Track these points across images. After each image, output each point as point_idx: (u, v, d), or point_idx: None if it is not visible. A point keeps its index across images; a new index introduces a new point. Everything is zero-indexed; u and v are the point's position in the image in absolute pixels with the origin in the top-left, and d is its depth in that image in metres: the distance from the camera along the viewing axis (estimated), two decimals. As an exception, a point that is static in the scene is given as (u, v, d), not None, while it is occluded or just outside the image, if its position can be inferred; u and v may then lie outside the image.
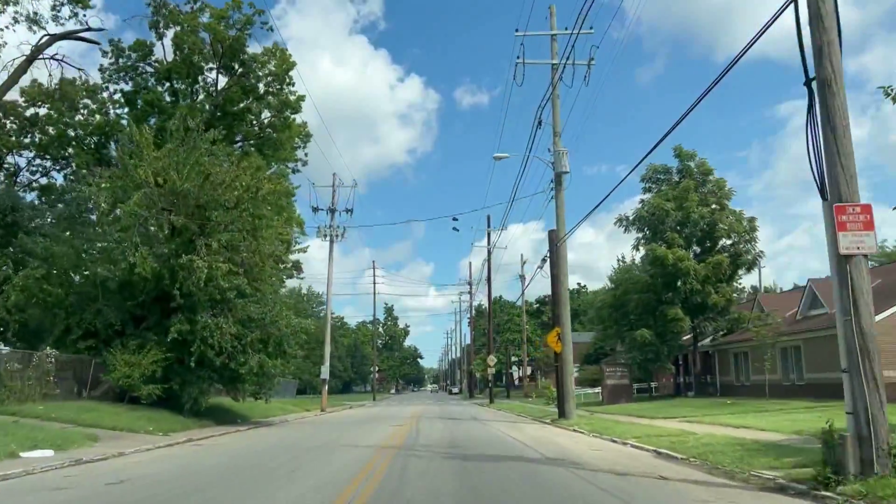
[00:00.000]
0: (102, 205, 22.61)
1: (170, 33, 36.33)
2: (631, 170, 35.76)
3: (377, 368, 71.00)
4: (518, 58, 22.46)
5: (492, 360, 47.99)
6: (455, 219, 33.29)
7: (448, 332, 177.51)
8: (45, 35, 27.79)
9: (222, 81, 40.10)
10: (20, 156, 37.40)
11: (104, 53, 38.25)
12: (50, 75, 29.57)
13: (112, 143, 35.24)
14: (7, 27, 26.37)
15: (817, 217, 8.67)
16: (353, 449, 13.16)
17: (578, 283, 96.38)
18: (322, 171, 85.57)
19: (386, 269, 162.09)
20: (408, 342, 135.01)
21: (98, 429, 15.54)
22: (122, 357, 20.16)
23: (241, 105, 40.49)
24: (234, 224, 22.58)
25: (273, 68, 40.05)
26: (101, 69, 38.37)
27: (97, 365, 21.65)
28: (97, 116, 38.17)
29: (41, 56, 27.93)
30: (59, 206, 34.45)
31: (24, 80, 31.03)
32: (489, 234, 48.72)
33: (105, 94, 38.99)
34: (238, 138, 41.00)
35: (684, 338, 34.43)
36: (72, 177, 36.98)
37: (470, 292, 75.19)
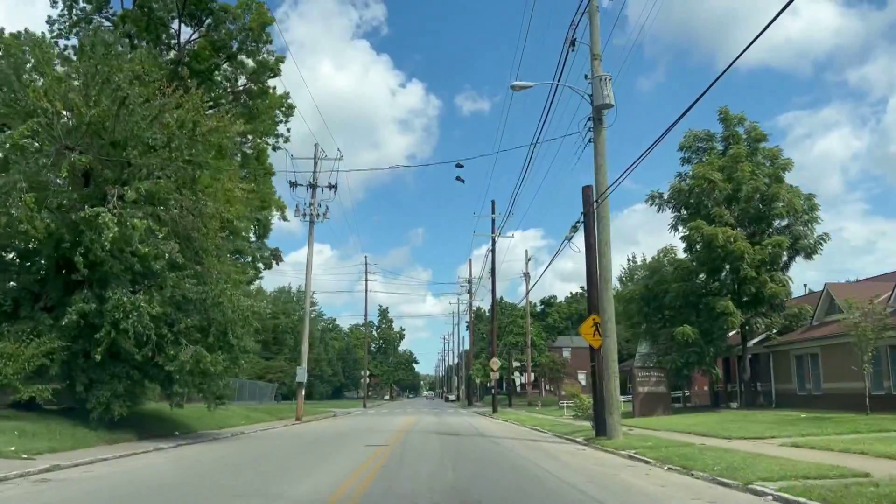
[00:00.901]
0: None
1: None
2: (626, 171, 29.97)
3: (368, 373, 65.11)
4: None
5: (495, 363, 42.23)
6: (460, 165, 26.69)
7: (445, 336, 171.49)
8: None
9: (187, 34, 34.49)
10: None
11: (53, 2, 32.71)
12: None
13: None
14: None
15: None
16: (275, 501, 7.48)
17: (581, 287, 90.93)
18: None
19: (384, 274, 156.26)
20: (403, 348, 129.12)
21: None
22: (-4, 347, 14.44)
23: (210, 62, 34.75)
24: (162, 171, 16.82)
25: (248, 23, 34.35)
26: (49, 21, 32.77)
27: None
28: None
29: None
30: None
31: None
32: (493, 221, 43.17)
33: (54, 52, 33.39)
34: (208, 103, 35.25)
35: (728, 335, 28.66)
36: None
37: (470, 291, 69.46)
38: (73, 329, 15.59)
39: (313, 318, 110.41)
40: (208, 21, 34.38)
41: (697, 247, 26.90)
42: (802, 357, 26.21)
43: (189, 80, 18.35)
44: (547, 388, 75.50)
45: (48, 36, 31.05)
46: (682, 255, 29.80)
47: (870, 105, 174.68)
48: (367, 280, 66.34)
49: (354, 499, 7.46)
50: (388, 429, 23.46)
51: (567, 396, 40.51)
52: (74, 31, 33.19)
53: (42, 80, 16.87)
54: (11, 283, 17.52)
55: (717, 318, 26.15)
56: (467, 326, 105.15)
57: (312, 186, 34.28)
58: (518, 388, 75.85)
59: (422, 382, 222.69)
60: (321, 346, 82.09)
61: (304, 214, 34.09)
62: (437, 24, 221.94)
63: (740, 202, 27.02)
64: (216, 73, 35.56)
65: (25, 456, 11.71)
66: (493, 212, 43.67)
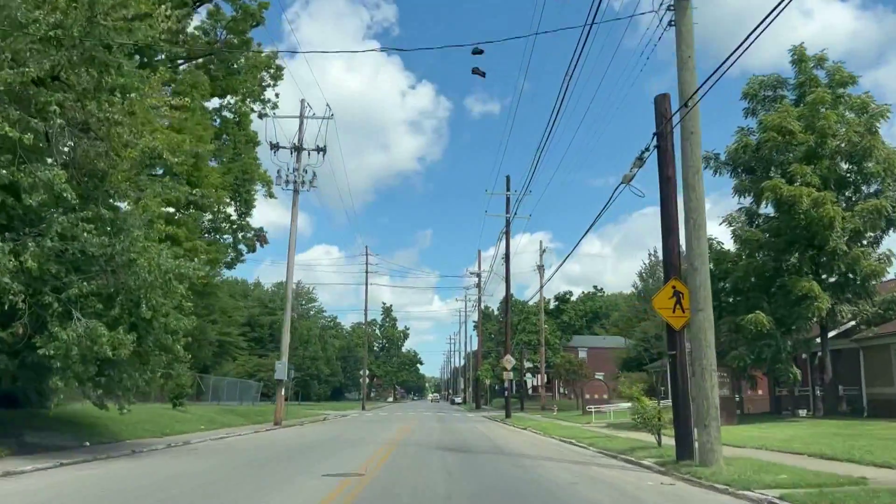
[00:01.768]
0: None
1: None
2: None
3: (367, 372, 59.78)
4: None
5: (509, 361, 36.78)
6: (478, 51, 17.97)
7: (451, 337, 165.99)
8: None
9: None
10: None
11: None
12: None
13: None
14: None
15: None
16: None
17: (595, 287, 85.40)
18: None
19: (390, 275, 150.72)
20: (407, 348, 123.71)
21: None
22: None
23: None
24: (40, 64, 11.51)
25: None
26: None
27: None
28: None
29: None
30: None
31: None
32: (508, 200, 37.73)
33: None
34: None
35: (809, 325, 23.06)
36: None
37: (479, 284, 63.99)
38: None
39: (312, 315, 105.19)
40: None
41: (768, 210, 21.35)
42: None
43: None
44: (561, 390, 69.87)
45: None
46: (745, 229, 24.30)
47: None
48: (367, 272, 61.07)
49: None
50: (378, 440, 18.07)
51: (598, 400, 35.05)
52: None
53: None
54: None
55: (795, 304, 20.60)
56: (475, 326, 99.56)
57: (297, 149, 28.98)
58: (529, 391, 70.40)
59: (427, 384, 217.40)
60: (319, 344, 76.80)
61: (287, 181, 28.79)
62: (447, 24, 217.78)
63: (824, 159, 21.47)
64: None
65: None
66: (507, 188, 38.32)
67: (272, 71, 35.51)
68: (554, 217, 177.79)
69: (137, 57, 16.51)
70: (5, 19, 11.11)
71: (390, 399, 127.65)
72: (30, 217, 11.94)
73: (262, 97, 35.37)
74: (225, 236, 37.25)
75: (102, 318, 11.81)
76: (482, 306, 67.16)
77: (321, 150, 29.00)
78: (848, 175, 22.09)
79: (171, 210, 26.28)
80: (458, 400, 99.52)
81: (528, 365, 63.00)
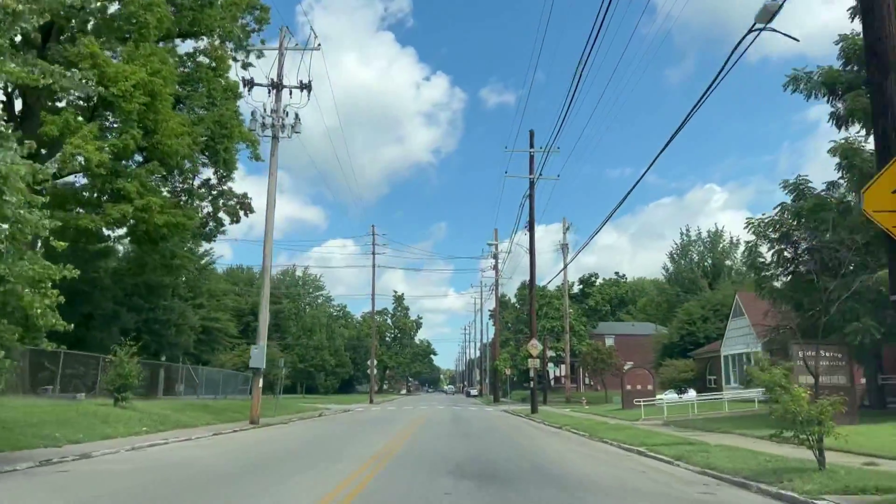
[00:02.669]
0: None
1: None
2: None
3: (376, 362, 54.61)
4: None
5: (535, 347, 31.34)
6: None
7: (466, 327, 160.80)
8: None
9: None
10: None
11: None
12: None
13: None
14: None
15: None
16: None
17: (616, 273, 79.48)
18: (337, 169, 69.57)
19: (405, 269, 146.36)
20: (421, 339, 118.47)
21: None
22: None
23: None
24: None
25: None
26: None
27: None
28: None
29: None
30: None
31: None
32: (532, 158, 32.18)
33: None
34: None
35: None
36: None
37: (496, 266, 58.52)
38: None
39: (320, 304, 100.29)
40: None
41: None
42: None
43: None
44: (586, 381, 64.35)
45: None
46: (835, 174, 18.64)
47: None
48: (374, 253, 55.75)
49: None
50: (365, 451, 12.71)
51: (642, 392, 29.53)
52: None
53: None
54: None
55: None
56: (490, 314, 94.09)
57: (275, 87, 23.59)
58: (551, 382, 64.93)
59: (441, 377, 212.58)
60: (323, 333, 71.78)
61: (264, 125, 23.45)
62: (462, 14, 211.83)
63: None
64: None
65: None
66: (531, 145, 32.75)
67: (257, 13, 30.30)
68: (569, 209, 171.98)
69: None
70: None
71: (403, 391, 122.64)
72: None
73: (246, 45, 30.18)
74: (203, 204, 32.21)
75: None
76: (499, 292, 61.71)
77: (305, 87, 23.62)
78: None
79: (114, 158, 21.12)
80: (474, 392, 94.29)
81: (550, 354, 57.46)
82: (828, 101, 19.14)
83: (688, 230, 71.46)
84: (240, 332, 77.65)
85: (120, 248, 32.16)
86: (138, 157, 25.54)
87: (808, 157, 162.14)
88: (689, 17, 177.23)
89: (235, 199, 32.57)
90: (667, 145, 19.17)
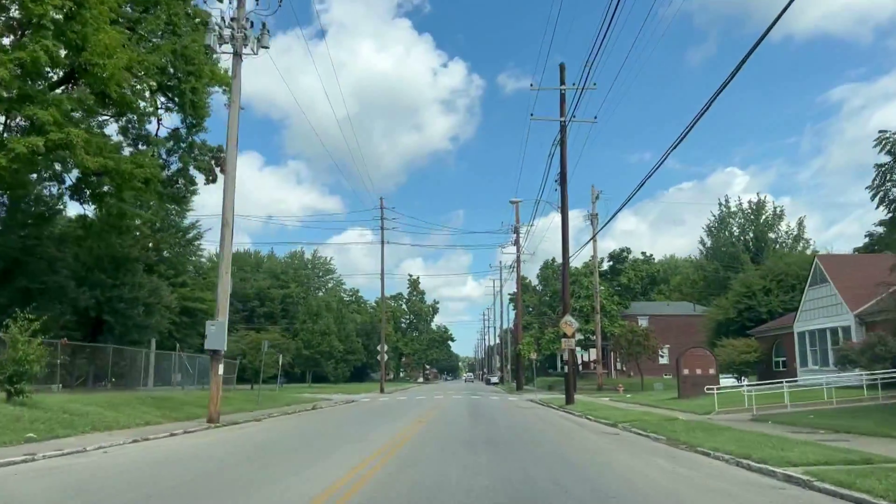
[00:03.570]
0: None
1: None
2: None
3: (386, 348, 49.48)
4: None
5: (570, 324, 25.90)
6: None
7: (484, 313, 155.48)
8: None
9: None
10: None
11: None
12: None
13: None
14: None
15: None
16: None
17: (643, 253, 73.19)
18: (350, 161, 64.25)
19: (423, 258, 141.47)
20: (437, 326, 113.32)
21: None
22: None
23: None
24: None
25: None
26: None
27: None
28: None
29: None
30: None
31: None
32: (562, 96, 26.54)
33: None
34: None
35: None
36: None
37: (517, 242, 53.00)
38: None
39: (330, 288, 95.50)
40: None
41: None
42: None
43: None
44: (618, 366, 58.80)
45: None
46: None
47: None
48: (382, 228, 50.45)
49: None
50: (298, 489, 7.43)
51: (702, 378, 23.96)
52: None
53: None
54: None
55: None
56: (511, 299, 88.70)
57: (238, -9, 18.29)
58: (580, 367, 59.44)
59: (460, 364, 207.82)
60: (331, 317, 66.84)
61: (221, 37, 18.15)
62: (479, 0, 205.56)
63: None
64: None
65: None
66: (561, 82, 27.09)
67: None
68: (586, 195, 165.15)
69: None
70: None
71: (420, 380, 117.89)
72: None
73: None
74: (172, 159, 27.15)
75: None
76: (520, 271, 56.15)
77: (275, -11, 18.25)
78: None
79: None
80: (495, 380, 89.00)
81: (578, 336, 51.85)
82: None
83: (727, 200, 65.24)
84: (242, 319, 73.21)
85: (71, 213, 27.27)
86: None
87: (831, 138, 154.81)
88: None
89: (210, 154, 27.44)
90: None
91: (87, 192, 20.87)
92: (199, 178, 27.55)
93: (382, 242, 51.08)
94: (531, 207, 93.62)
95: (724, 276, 62.54)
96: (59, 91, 19.09)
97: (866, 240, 26.89)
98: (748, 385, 19.02)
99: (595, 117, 26.08)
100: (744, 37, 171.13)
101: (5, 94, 15.94)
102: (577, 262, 56.22)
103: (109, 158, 18.89)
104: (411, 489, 6.82)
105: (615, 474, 8.05)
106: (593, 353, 54.99)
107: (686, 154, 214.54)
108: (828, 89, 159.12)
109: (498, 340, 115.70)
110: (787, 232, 63.53)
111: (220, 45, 18.18)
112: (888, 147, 13.93)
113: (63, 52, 17.86)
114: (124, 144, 25.19)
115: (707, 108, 13.08)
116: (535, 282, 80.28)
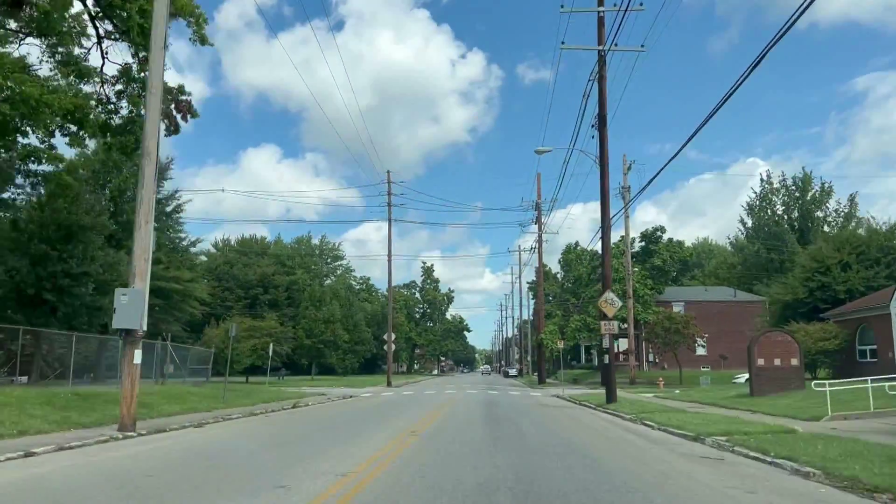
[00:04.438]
0: None
1: None
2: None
3: (392, 336, 44.53)
4: None
5: (612, 302, 20.70)
6: None
7: (502, 302, 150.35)
8: None
9: None
10: None
11: None
12: None
13: None
14: None
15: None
16: None
17: (670, 239, 67.59)
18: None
19: (441, 251, 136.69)
20: (452, 316, 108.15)
21: None
22: None
23: None
24: None
25: None
26: None
27: None
28: None
29: None
30: None
31: None
32: (601, 21, 21.26)
33: None
34: None
35: None
36: None
37: (538, 220, 47.70)
38: None
39: (339, 275, 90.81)
40: None
41: None
42: None
43: None
44: (650, 358, 53.35)
45: None
46: None
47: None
48: (390, 204, 45.43)
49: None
50: None
51: (779, 371, 18.71)
52: None
53: None
54: None
55: None
56: (530, 288, 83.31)
57: None
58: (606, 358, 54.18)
59: (477, 356, 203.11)
60: (336, 304, 62.07)
61: None
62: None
63: None
64: None
65: None
66: (599, 2, 21.77)
67: None
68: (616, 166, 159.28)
69: None
70: None
71: (435, 372, 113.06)
72: None
73: None
74: (122, 104, 22.32)
75: None
76: (542, 251, 50.79)
77: None
78: None
79: None
80: (513, 372, 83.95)
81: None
82: None
83: (769, 175, 59.26)
84: (245, 307, 68.71)
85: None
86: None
87: (855, 127, 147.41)
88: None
89: (169, 96, 22.55)
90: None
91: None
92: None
93: (390, 220, 46.09)
94: (558, 169, 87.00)
95: (767, 257, 56.75)
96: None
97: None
98: (871, 380, 13.71)
99: (642, 45, 20.70)
100: (766, 26, 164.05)
101: None
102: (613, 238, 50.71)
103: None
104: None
105: None
106: (623, 344, 49.61)
107: (707, 144, 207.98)
108: (853, 78, 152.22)
109: (516, 332, 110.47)
110: (836, 210, 57.50)
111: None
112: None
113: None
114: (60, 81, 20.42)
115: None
116: (554, 269, 74.99)
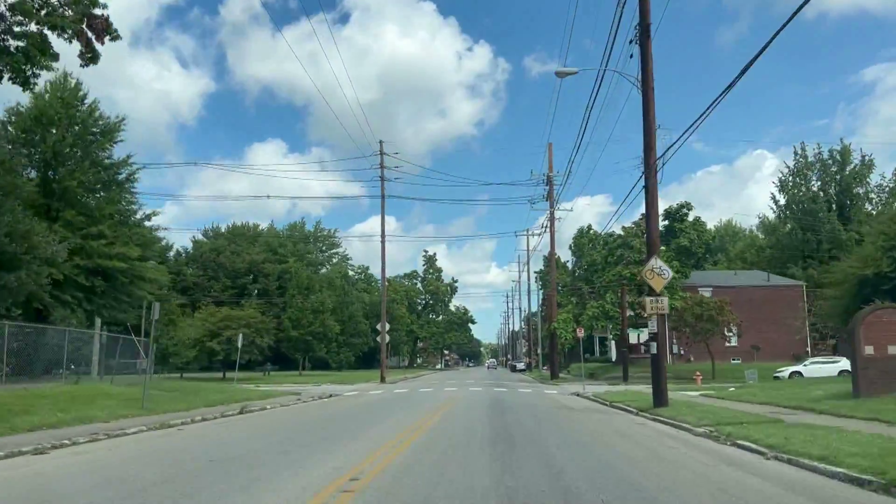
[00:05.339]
0: None
1: None
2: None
3: (386, 327, 39.45)
4: None
5: (661, 273, 15.57)
6: None
7: (509, 292, 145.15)
8: None
9: None
10: None
11: None
12: None
13: None
14: None
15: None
16: None
17: (699, 217, 62.01)
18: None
19: (447, 244, 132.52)
20: (456, 307, 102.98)
21: None
22: None
23: None
24: None
25: None
26: None
27: None
28: None
29: None
30: None
31: None
32: None
33: None
34: None
35: None
36: None
37: (550, 195, 42.46)
38: None
39: (334, 264, 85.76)
40: None
41: None
42: None
43: None
44: (674, 349, 48.08)
45: None
46: None
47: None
48: (382, 179, 40.30)
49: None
50: None
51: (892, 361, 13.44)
52: None
53: None
54: None
55: None
56: (537, 279, 78.02)
57: None
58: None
59: (482, 350, 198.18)
60: (331, 293, 57.06)
61: None
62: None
63: None
64: None
65: None
66: None
67: None
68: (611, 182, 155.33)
69: None
70: None
71: (438, 366, 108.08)
72: None
73: None
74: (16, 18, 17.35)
75: None
76: (554, 228, 45.50)
77: None
78: None
79: None
80: (521, 366, 78.66)
81: (629, 313, 41.42)
82: None
83: (803, 148, 53.75)
84: (233, 296, 63.84)
85: None
86: None
87: (864, 119, 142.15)
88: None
89: (78, 9, 17.45)
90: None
91: None
92: (72, 51, 17.57)
93: (383, 197, 40.93)
94: (572, 140, 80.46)
95: (802, 238, 51.36)
96: None
97: None
98: None
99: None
100: (773, 18, 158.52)
101: None
102: (625, 222, 45.60)
103: None
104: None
105: None
106: (643, 334, 44.35)
107: (714, 136, 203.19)
108: (861, 68, 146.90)
109: (523, 324, 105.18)
110: (879, 185, 51.98)
111: None
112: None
113: None
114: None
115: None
116: (563, 260, 69.80)
